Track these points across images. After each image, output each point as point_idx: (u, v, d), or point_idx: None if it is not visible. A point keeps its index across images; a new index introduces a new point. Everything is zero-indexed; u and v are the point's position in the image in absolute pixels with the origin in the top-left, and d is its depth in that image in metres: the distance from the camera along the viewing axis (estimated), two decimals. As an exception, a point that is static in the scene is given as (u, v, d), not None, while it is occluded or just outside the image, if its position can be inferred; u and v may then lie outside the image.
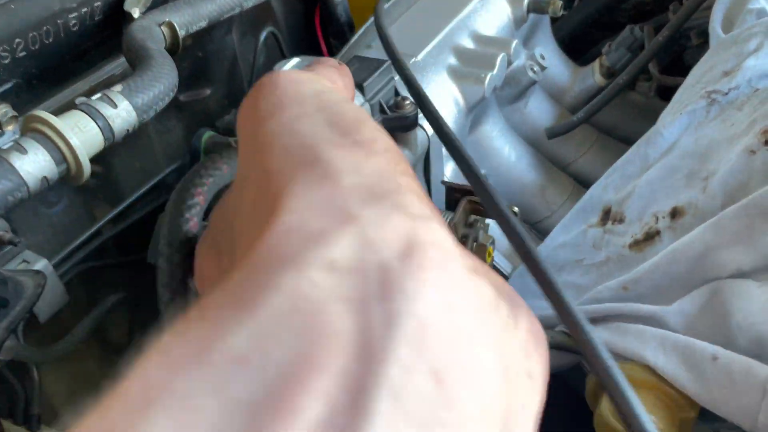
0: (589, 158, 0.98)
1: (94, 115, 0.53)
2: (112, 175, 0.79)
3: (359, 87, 0.54)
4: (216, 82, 0.98)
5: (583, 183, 0.96)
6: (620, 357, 0.56)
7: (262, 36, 1.00)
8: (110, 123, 0.54)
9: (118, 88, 0.56)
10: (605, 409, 0.54)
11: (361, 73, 0.55)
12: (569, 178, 0.93)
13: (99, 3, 0.75)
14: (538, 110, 0.97)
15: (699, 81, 0.71)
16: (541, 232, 0.89)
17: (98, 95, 0.55)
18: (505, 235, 0.35)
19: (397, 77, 0.59)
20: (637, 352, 0.54)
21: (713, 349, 0.51)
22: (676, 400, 0.52)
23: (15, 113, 0.68)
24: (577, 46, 1.21)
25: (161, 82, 0.58)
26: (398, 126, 0.57)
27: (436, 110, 0.53)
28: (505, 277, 0.75)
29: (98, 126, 0.53)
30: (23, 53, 0.69)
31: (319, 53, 1.10)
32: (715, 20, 0.76)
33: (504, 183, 0.89)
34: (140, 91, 0.56)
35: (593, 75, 1.03)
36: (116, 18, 0.77)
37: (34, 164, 0.49)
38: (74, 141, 0.50)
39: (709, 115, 0.68)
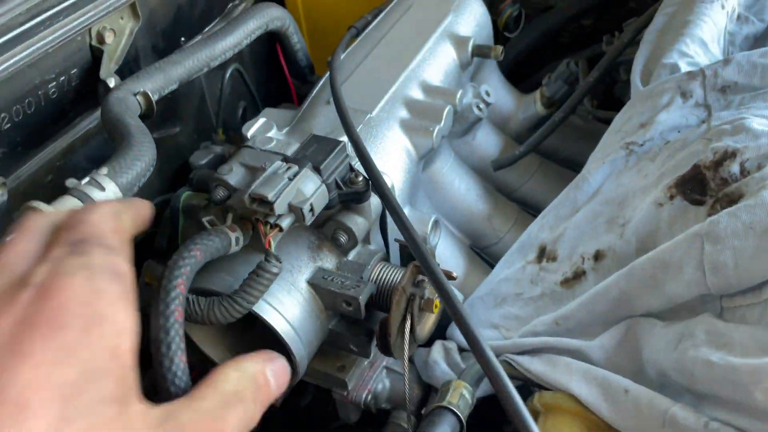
0: (533, 184, 1.07)
1: (85, 200, 0.59)
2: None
3: (317, 169, 0.61)
4: (185, 118, 1.04)
5: (529, 207, 1.06)
6: (552, 387, 0.66)
7: (228, 72, 1.06)
8: (98, 203, 0.60)
9: (104, 171, 0.62)
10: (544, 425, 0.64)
11: (318, 155, 0.63)
12: (514, 206, 1.03)
13: (75, 71, 0.81)
14: (485, 142, 1.06)
15: (620, 130, 0.81)
16: (491, 256, 0.98)
17: (87, 179, 0.61)
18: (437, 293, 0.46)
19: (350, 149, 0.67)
20: (565, 384, 0.64)
21: (626, 382, 0.61)
22: (598, 425, 0.62)
23: (3, 179, 0.74)
24: (521, 70, 1.30)
25: (142, 160, 0.65)
26: (353, 198, 0.65)
27: (385, 184, 0.61)
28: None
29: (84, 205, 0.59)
30: (8, 125, 0.74)
31: (286, 86, 1.16)
32: (635, 72, 0.86)
33: (456, 213, 0.98)
34: (124, 172, 0.63)
35: (535, 104, 1.12)
36: (91, 80, 0.83)
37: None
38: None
39: (628, 164, 0.78)
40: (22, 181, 0.78)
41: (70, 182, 0.61)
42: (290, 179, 0.59)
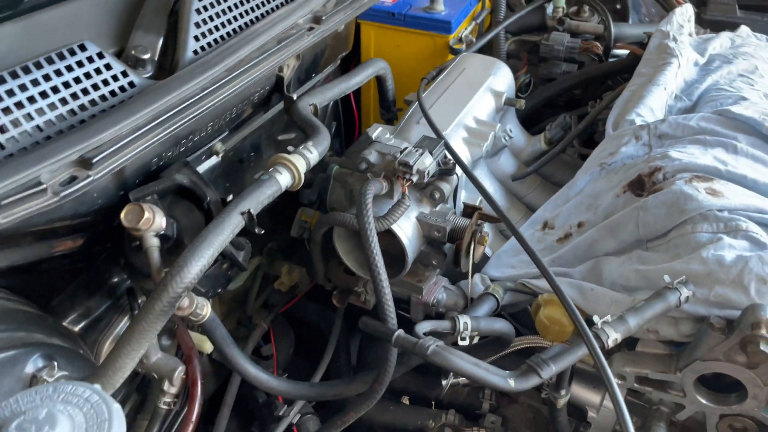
0: (535, 195, 1.58)
1: (304, 156, 1.07)
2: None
3: (430, 153, 1.10)
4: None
5: (531, 208, 1.55)
6: (548, 291, 1.14)
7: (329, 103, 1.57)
8: (309, 160, 1.08)
9: (310, 144, 1.10)
10: (542, 316, 1.11)
11: (430, 146, 1.11)
12: (523, 205, 1.53)
13: (267, 87, 1.30)
14: (506, 163, 1.57)
15: (597, 156, 1.32)
16: (507, 237, 1.47)
17: (302, 147, 1.09)
18: (508, 228, 0.94)
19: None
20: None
21: (591, 285, 1.09)
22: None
23: (222, 145, 1.22)
24: (531, 119, 1.82)
25: (327, 141, 1.13)
26: (445, 172, 1.14)
27: (465, 164, 1.11)
28: (488, 257, 1.32)
29: (305, 161, 1.07)
30: (233, 115, 1.23)
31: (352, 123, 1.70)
32: (609, 123, 1.38)
33: (484, 205, 1.47)
34: (319, 145, 1.11)
35: (540, 143, 1.63)
36: (271, 93, 1.32)
37: (285, 178, 1.02)
38: (300, 166, 1.04)
39: (601, 175, 1.28)
40: (231, 149, 1.26)
41: (292, 149, 1.09)
42: (419, 155, 1.08)
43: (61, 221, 0.97)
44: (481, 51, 1.81)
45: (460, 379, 1.33)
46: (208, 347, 1.28)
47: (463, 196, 1.31)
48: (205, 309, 0.99)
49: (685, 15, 1.61)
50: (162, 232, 0.95)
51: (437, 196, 1.15)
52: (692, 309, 0.96)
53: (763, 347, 0.85)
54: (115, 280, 1.19)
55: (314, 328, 1.61)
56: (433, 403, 1.40)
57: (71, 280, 1.18)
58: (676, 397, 1.03)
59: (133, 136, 0.95)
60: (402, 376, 1.45)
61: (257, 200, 0.98)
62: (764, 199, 1.06)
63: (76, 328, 1.16)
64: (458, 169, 1.18)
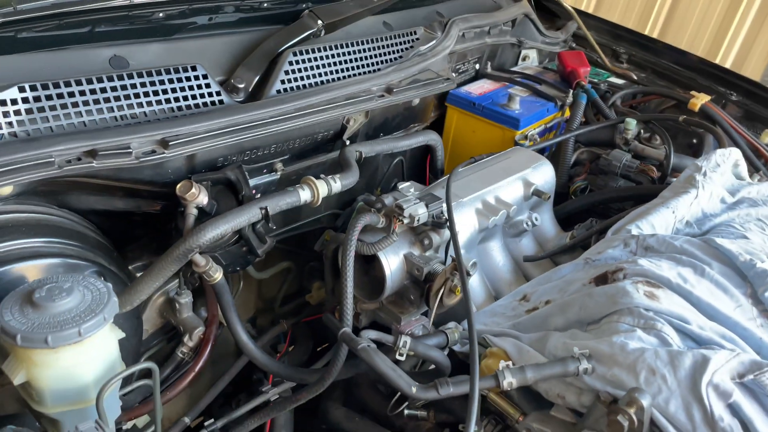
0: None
1: (328, 183, 1.36)
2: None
3: (426, 205, 1.34)
4: (366, 176, 1.84)
5: (538, 293, 1.71)
6: (498, 345, 1.31)
7: (395, 160, 1.86)
8: (332, 188, 1.37)
9: (337, 176, 1.40)
10: (483, 364, 1.28)
11: (429, 200, 1.36)
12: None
13: (331, 131, 1.63)
14: (526, 246, 1.76)
15: (588, 252, 1.48)
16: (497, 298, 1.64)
17: (329, 176, 1.39)
18: (459, 283, 1.16)
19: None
20: (503, 345, 1.29)
21: (528, 348, 1.25)
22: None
23: (282, 165, 1.54)
24: (571, 220, 1.98)
25: (352, 179, 1.42)
26: (437, 225, 1.37)
27: (453, 224, 1.34)
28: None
29: (328, 187, 1.36)
30: (297, 145, 1.56)
31: (423, 181, 1.95)
32: (611, 228, 1.53)
33: (493, 274, 1.66)
34: (345, 180, 1.40)
35: (566, 239, 1.80)
36: (335, 138, 1.65)
37: (305, 194, 1.32)
38: (321, 190, 1.34)
39: (583, 268, 1.44)
40: (291, 172, 1.59)
41: (323, 176, 1.39)
42: (415, 204, 1.33)
43: (143, 184, 1.34)
44: (551, 156, 2.02)
45: (419, 412, 1.50)
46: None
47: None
48: (218, 273, 1.29)
49: (727, 156, 1.73)
50: (202, 206, 1.28)
51: (426, 242, 1.38)
52: (591, 382, 1.09)
53: (619, 418, 0.97)
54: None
55: (331, 344, 1.86)
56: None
57: (145, 235, 1.55)
58: (570, 461, 1.14)
59: (206, 134, 1.31)
60: (373, 398, 1.65)
61: (276, 203, 1.28)
62: (696, 314, 1.17)
63: (137, 274, 1.52)
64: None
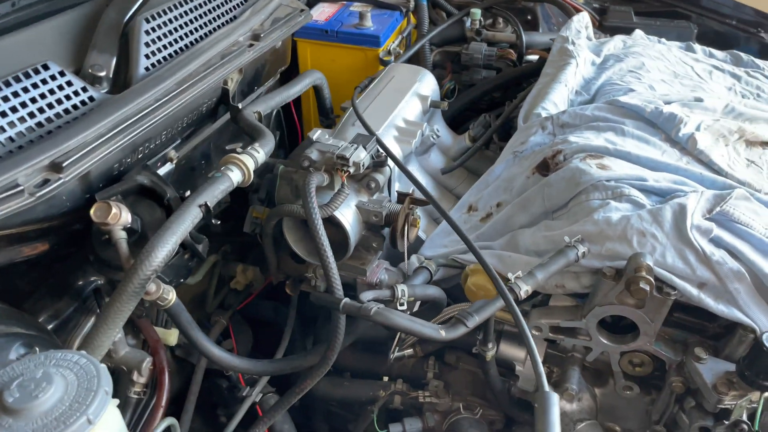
0: (464, 186, 1.76)
1: (251, 155, 1.21)
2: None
3: (364, 147, 1.26)
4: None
5: (459, 198, 1.73)
6: (474, 263, 1.31)
7: (273, 115, 1.71)
8: (257, 159, 1.22)
9: (257, 145, 1.24)
10: (470, 284, 1.27)
11: (363, 142, 1.27)
12: (453, 196, 1.70)
13: (214, 99, 1.44)
14: (435, 159, 1.75)
15: (511, 146, 1.51)
16: (439, 222, 1.64)
17: (249, 148, 1.23)
18: (437, 210, 1.10)
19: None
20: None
21: (509, 253, 1.27)
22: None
23: (176, 153, 1.35)
24: (457, 121, 2.01)
25: (272, 143, 1.28)
26: (379, 164, 1.30)
27: (396, 156, 1.27)
28: (422, 240, 1.49)
29: (253, 160, 1.21)
30: (185, 125, 1.36)
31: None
32: (520, 117, 1.58)
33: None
34: (265, 146, 1.25)
35: (465, 140, 1.82)
36: (217, 104, 1.45)
37: (236, 175, 1.16)
38: (249, 164, 1.18)
39: (514, 162, 1.47)
40: (183, 157, 1.38)
41: (240, 149, 1.23)
42: (354, 150, 1.24)
43: (33, 224, 1.08)
44: (409, 62, 1.99)
45: (405, 351, 1.48)
46: (172, 340, 1.40)
47: (396, 187, 1.47)
48: (171, 295, 1.11)
49: (582, 21, 1.84)
50: (128, 226, 1.07)
51: (373, 185, 1.31)
52: (588, 263, 1.14)
53: (642, 285, 1.03)
54: (81, 282, 1.29)
55: (270, 325, 1.74)
56: (383, 378, 1.55)
57: (40, 283, 1.27)
58: (584, 341, 1.20)
59: (97, 143, 1.07)
60: (353, 357, 1.60)
61: (212, 194, 1.11)
62: (644, 170, 1.26)
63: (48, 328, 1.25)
64: (390, 162, 1.34)
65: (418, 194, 1.30)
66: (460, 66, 2.11)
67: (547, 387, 0.88)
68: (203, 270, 1.51)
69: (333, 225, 1.25)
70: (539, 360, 0.92)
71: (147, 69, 1.28)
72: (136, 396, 1.31)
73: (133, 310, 1.25)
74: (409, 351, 1.49)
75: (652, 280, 1.04)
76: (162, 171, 1.35)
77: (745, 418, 1.06)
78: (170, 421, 0.87)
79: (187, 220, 1.06)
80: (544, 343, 1.30)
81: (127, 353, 1.30)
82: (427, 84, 1.74)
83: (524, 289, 1.09)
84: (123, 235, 1.06)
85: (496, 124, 1.71)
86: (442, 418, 1.39)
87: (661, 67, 1.70)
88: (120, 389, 1.35)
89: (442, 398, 1.40)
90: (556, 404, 0.84)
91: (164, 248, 1.00)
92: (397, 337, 1.40)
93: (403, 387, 1.46)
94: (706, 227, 1.10)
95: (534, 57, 2.07)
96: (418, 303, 1.33)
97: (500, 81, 2.00)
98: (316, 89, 1.67)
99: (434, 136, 1.68)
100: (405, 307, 1.17)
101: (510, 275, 1.11)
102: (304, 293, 1.55)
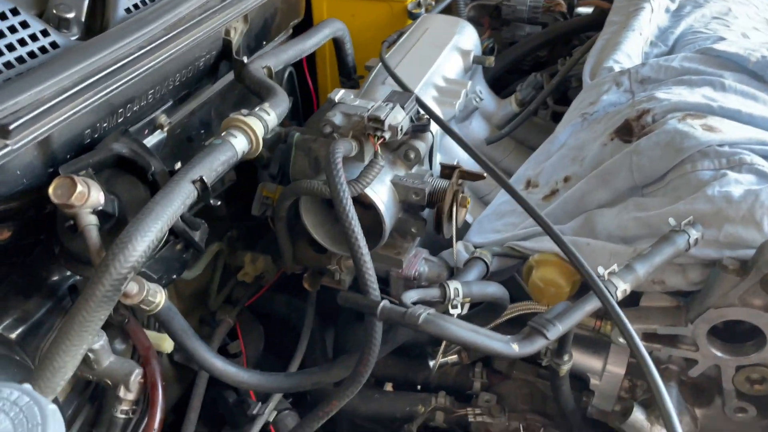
0: (510, 160, 1.49)
1: (260, 118, 0.95)
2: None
3: (402, 107, 0.99)
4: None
5: (508, 174, 1.46)
6: (540, 251, 1.04)
7: (286, 74, 1.44)
8: (268, 123, 0.96)
9: (266, 105, 0.98)
10: (536, 278, 1.01)
11: (400, 100, 1.00)
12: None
13: (214, 52, 1.17)
14: (478, 127, 1.48)
15: (577, 108, 1.24)
16: (487, 203, 1.37)
17: (258, 108, 0.97)
18: (497, 181, 0.83)
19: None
20: (548, 247, 1.03)
21: (586, 240, 1.00)
22: (568, 268, 1.00)
23: (168, 119, 1.09)
24: (497, 86, 1.73)
25: (286, 102, 1.01)
26: (420, 128, 1.03)
27: (440, 117, 1.00)
28: (468, 224, 1.23)
29: (263, 124, 0.95)
30: (177, 83, 1.10)
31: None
32: (585, 72, 1.30)
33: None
34: (278, 107, 0.99)
35: (511, 104, 1.54)
36: (219, 58, 1.19)
37: (240, 142, 0.90)
38: (258, 129, 0.92)
39: (583, 126, 1.20)
40: (177, 124, 1.13)
41: (245, 112, 0.97)
42: (390, 110, 0.97)
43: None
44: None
45: (449, 358, 1.23)
46: (167, 347, 1.15)
47: (439, 160, 1.20)
48: (159, 296, 0.86)
49: (651, -39, 1.54)
50: (100, 209, 0.82)
51: (412, 156, 1.04)
52: (701, 253, 0.87)
53: (786, 282, 0.77)
54: (55, 278, 1.05)
55: (284, 322, 1.49)
56: (420, 387, 1.30)
57: (3, 280, 1.03)
58: (688, 351, 0.94)
59: (58, 100, 0.82)
60: (384, 362, 1.34)
61: (210, 167, 0.85)
62: (763, 131, 0.98)
63: (13, 335, 1.01)
64: (433, 128, 1.07)
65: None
66: (500, 21, 1.82)
67: (679, 429, 0.62)
68: (203, 262, 1.25)
69: (363, 206, 0.99)
70: (668, 399, 0.66)
71: (128, 10, 1.02)
72: (123, 416, 1.07)
73: (110, 317, 1.02)
74: (453, 357, 1.24)
75: (799, 275, 0.77)
76: (151, 141, 1.10)
77: None
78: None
79: (177, 200, 0.80)
80: (627, 351, 1.04)
81: (111, 363, 1.05)
82: (468, 36, 1.46)
83: (622, 288, 0.83)
84: (92, 220, 0.80)
85: (552, 82, 1.43)
86: (496, 441, 1.14)
87: (750, 13, 1.42)
88: (104, 408, 1.12)
89: (497, 417, 1.14)
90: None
91: (145, 239, 0.75)
92: (443, 344, 1.14)
93: (447, 401, 1.21)
94: None
95: (587, 9, 1.77)
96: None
97: (547, 37, 1.71)
98: (337, 43, 1.40)
99: (477, 99, 1.41)
100: (458, 310, 0.91)
101: (601, 269, 0.84)
102: (324, 285, 1.30)
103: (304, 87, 1.76)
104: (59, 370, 0.75)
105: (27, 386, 0.60)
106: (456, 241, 1.05)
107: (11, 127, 0.75)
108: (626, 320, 0.74)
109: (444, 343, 1.15)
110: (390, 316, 0.83)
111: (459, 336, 0.80)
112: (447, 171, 1.09)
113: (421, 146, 1.05)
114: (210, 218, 1.36)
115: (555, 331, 0.81)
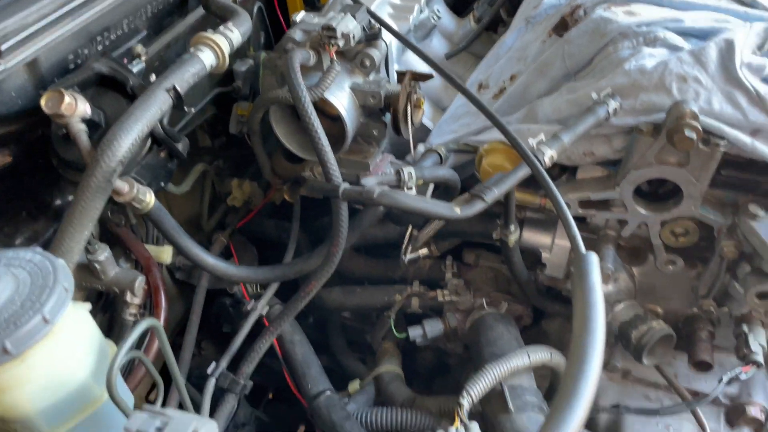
0: (471, 74, 1.59)
1: (225, 35, 1.05)
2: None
3: (353, 17, 1.09)
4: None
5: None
6: (489, 141, 1.16)
7: (255, 7, 1.54)
8: (232, 40, 1.06)
9: (230, 23, 1.08)
10: (485, 164, 1.13)
11: (351, 10, 1.10)
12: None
13: (182, -17, 1.26)
14: (438, 44, 1.57)
15: (522, 13, 1.33)
16: (444, 110, 1.48)
17: (221, 27, 1.07)
18: (448, 81, 0.94)
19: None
20: (496, 137, 1.14)
21: (527, 126, 1.12)
22: (515, 154, 1.12)
23: (145, 49, 1.19)
24: (458, 5, 1.82)
25: (248, 21, 1.12)
26: (372, 36, 1.13)
27: (390, 25, 1.10)
28: (429, 130, 1.34)
29: (227, 41, 1.05)
30: (149, 15, 1.20)
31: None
32: (529, -19, 1.39)
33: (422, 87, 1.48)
34: (240, 26, 1.09)
35: (470, 23, 1.64)
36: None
37: (208, 56, 1.01)
38: (224, 46, 1.03)
39: (527, 30, 1.30)
40: (155, 57, 1.23)
41: (211, 31, 1.07)
42: (341, 19, 1.07)
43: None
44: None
45: (420, 252, 1.36)
46: (165, 257, 1.28)
47: (396, 69, 1.31)
48: (149, 197, 0.98)
49: None
50: (88, 117, 0.93)
51: (368, 63, 1.15)
52: (621, 121, 0.99)
53: (687, 133, 0.88)
54: (59, 202, 1.17)
55: (276, 246, 1.62)
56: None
57: (11, 203, 1.15)
58: (619, 213, 1.07)
59: (41, 25, 0.93)
60: (364, 263, 1.48)
61: (182, 77, 0.96)
62: (679, 11, 1.08)
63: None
64: (386, 38, 1.18)
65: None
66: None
67: (583, 249, 0.74)
68: (191, 178, 1.37)
69: (328, 116, 1.11)
70: (572, 221, 0.79)
71: (97, -53, 1.11)
72: (132, 318, 1.21)
73: (112, 219, 1.14)
74: (424, 251, 1.36)
75: (698, 126, 0.89)
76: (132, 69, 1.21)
77: (812, 276, 0.92)
78: (151, 322, 0.76)
79: (154, 105, 0.91)
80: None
81: (117, 273, 1.19)
82: (423, -41, 1.54)
83: (549, 154, 0.95)
84: (82, 127, 0.92)
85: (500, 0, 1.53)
86: (464, 317, 1.27)
87: None
88: (115, 314, 1.26)
89: (463, 296, 1.28)
90: (596, 265, 0.71)
91: (128, 136, 0.86)
92: (408, 233, 1.27)
93: (421, 289, 1.35)
94: (758, 64, 0.93)
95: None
96: (430, 192, 1.19)
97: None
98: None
99: (434, 17, 1.50)
100: (413, 191, 1.03)
101: (531, 140, 0.96)
102: (309, 213, 1.43)
103: (276, 23, 1.84)
104: (66, 254, 0.88)
105: (38, 248, 0.73)
106: (414, 144, 1.17)
107: (3, 47, 0.86)
108: (547, 177, 0.86)
109: (409, 233, 1.27)
110: (350, 195, 0.95)
111: (409, 204, 0.92)
112: (400, 76, 1.20)
113: (376, 54, 1.15)
114: (197, 149, 1.49)
115: (491, 195, 0.93)
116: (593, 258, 0.72)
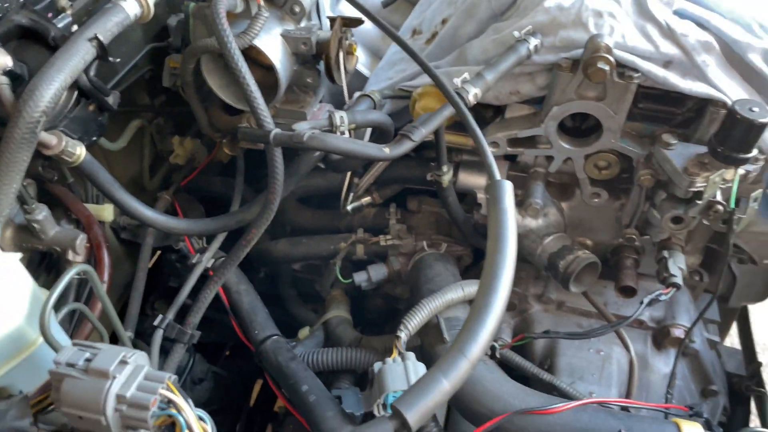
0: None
1: (149, -16, 1.04)
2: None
3: None
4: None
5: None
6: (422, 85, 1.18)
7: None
8: (157, -13, 1.05)
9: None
10: (418, 108, 1.15)
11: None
12: (398, 32, 1.55)
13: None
14: (375, -6, 1.58)
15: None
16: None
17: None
18: (381, 28, 0.95)
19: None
20: (429, 81, 1.16)
21: (457, 68, 1.14)
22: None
23: (71, 3, 1.17)
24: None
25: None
26: (302, -16, 1.14)
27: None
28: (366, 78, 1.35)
29: (152, -11, 1.04)
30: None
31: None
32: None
33: (358, 35, 1.48)
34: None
35: (406, -29, 1.64)
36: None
37: (131, 5, 1.00)
38: (149, -3, 1.02)
39: (457, -26, 1.31)
40: (83, 11, 1.21)
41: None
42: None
43: None
44: None
45: (363, 200, 1.39)
46: (106, 215, 1.29)
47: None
48: (79, 149, 0.98)
49: None
50: (9, 69, 0.92)
51: (297, 9, 1.15)
52: (542, 59, 1.02)
53: (600, 65, 0.92)
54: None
55: (225, 203, 1.63)
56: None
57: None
58: (545, 150, 1.11)
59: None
60: (310, 215, 1.50)
61: (104, 27, 0.96)
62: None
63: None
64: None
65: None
66: None
67: (498, 176, 0.78)
68: (127, 134, 1.37)
69: (259, 65, 1.11)
70: (488, 150, 0.82)
71: None
72: (76, 276, 1.22)
73: (43, 174, 1.14)
74: (367, 199, 1.39)
75: (611, 59, 0.93)
76: (58, 24, 1.18)
77: (719, 198, 0.98)
78: (83, 267, 0.78)
79: (76, 55, 0.91)
80: (505, 164, 1.21)
81: (57, 233, 1.19)
82: None
83: (473, 92, 0.97)
84: (3, 80, 0.91)
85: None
86: (406, 260, 1.31)
87: None
88: (59, 274, 1.26)
89: (405, 239, 1.32)
90: (509, 191, 0.75)
91: (50, 86, 0.86)
92: (347, 180, 1.29)
93: (365, 236, 1.38)
94: (668, -3, 0.97)
95: None
96: (367, 138, 1.21)
97: None
98: None
99: (369, -34, 1.50)
100: (346, 135, 1.05)
101: (456, 80, 0.98)
102: (256, 168, 1.43)
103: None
104: (-4, 207, 0.88)
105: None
106: (349, 92, 1.18)
107: None
108: (467, 111, 0.89)
109: (348, 180, 1.30)
110: (281, 140, 0.97)
111: (338, 146, 0.95)
112: (331, 21, 1.21)
113: (305, 0, 1.16)
114: (135, 107, 1.48)
115: (419, 134, 0.96)
116: (506, 184, 0.76)
